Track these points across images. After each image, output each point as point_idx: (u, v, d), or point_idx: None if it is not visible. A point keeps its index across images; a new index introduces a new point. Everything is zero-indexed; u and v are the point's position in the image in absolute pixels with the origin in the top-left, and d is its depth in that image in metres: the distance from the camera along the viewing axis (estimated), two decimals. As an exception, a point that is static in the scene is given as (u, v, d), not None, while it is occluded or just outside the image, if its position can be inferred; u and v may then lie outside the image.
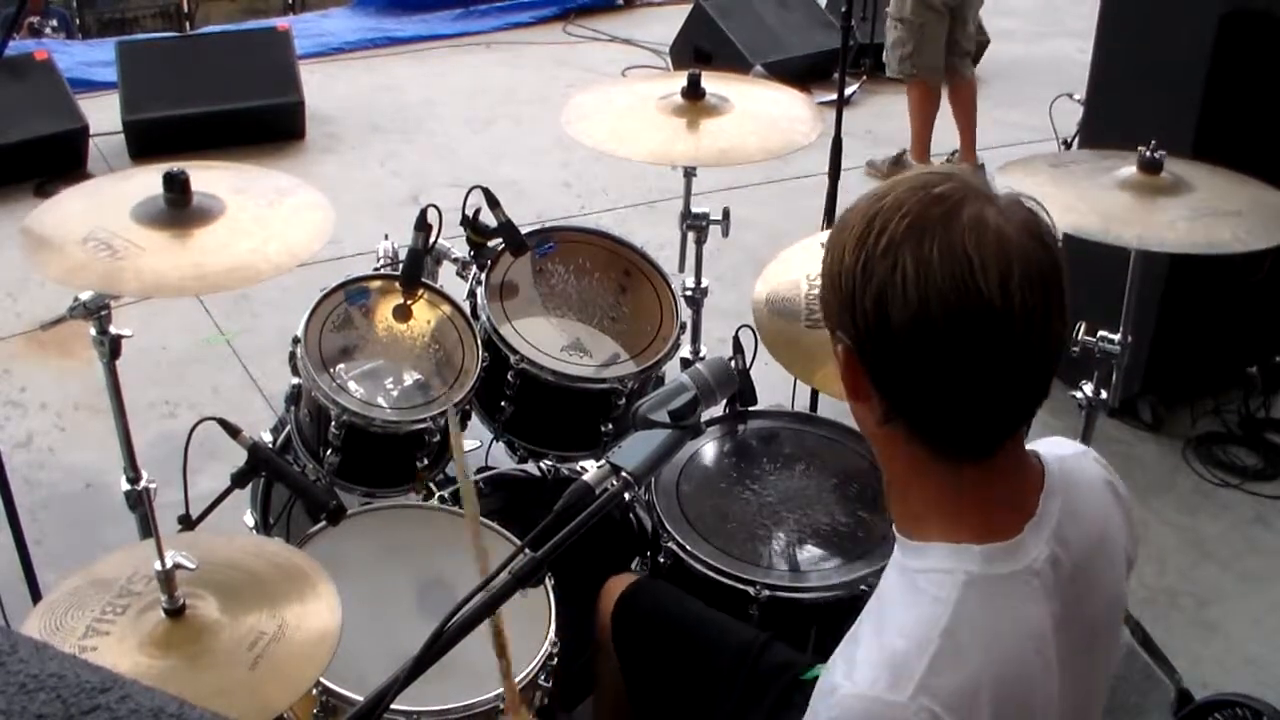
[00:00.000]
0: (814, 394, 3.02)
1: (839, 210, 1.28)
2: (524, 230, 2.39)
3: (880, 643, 1.13)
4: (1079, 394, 2.42)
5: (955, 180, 1.10)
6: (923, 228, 1.07)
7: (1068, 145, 3.62)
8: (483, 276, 2.37)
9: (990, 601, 1.14)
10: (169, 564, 1.50)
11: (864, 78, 6.00)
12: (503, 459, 2.62)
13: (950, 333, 1.06)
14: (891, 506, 1.24)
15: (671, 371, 2.40)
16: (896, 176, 1.14)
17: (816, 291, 2.16)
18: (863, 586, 1.95)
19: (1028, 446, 1.25)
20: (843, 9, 3.33)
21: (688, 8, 6.26)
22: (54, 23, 8.25)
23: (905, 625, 1.13)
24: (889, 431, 1.17)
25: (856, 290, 1.09)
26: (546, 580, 1.91)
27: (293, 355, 2.21)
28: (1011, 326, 1.06)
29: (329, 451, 2.17)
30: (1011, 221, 1.08)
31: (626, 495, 1.41)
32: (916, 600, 1.15)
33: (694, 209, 2.67)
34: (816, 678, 1.21)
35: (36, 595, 2.35)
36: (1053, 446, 1.30)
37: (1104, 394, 2.40)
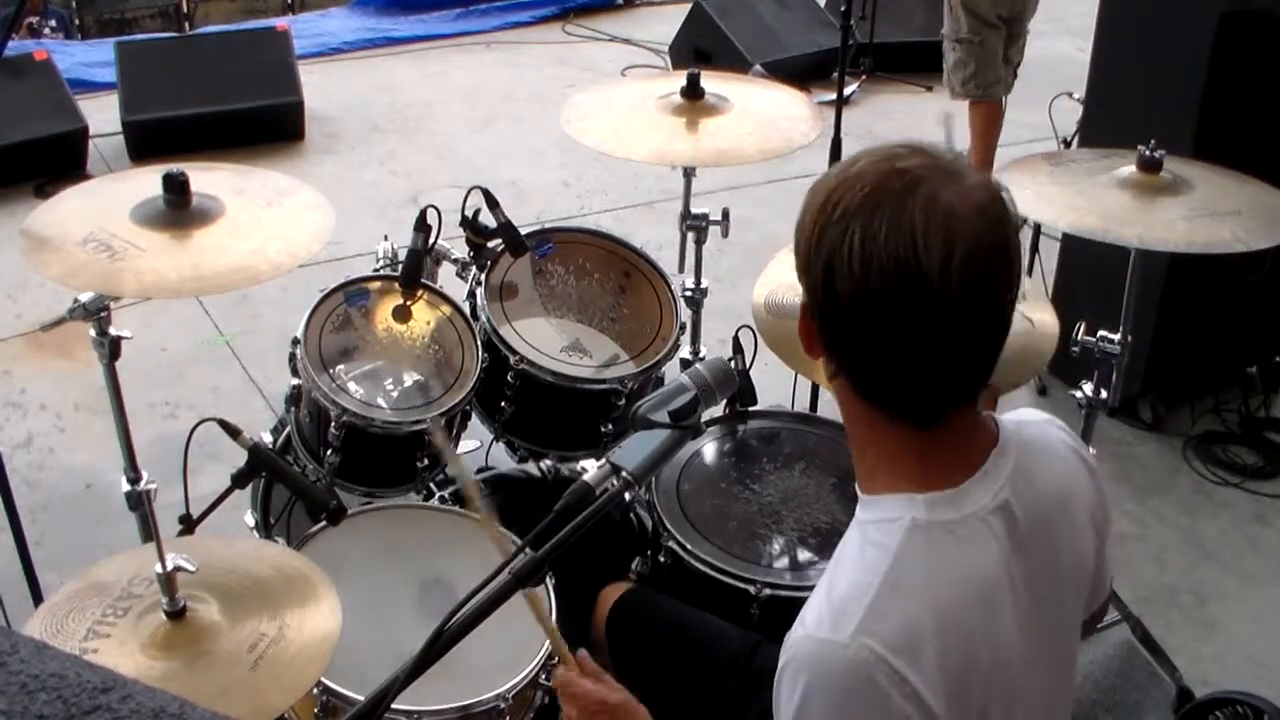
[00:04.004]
0: (814, 394, 3.02)
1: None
2: (524, 231, 2.39)
3: (829, 589, 1.17)
4: (1079, 394, 2.42)
5: (923, 157, 1.12)
6: (876, 202, 1.09)
7: (1068, 145, 3.62)
8: (482, 277, 2.37)
9: (934, 546, 1.17)
10: (170, 566, 1.50)
11: (863, 77, 6.00)
12: (503, 459, 2.62)
13: (889, 307, 1.09)
14: (854, 462, 1.28)
15: (671, 371, 2.40)
16: (871, 147, 1.17)
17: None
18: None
19: (998, 416, 1.28)
20: (842, 9, 3.33)
21: (687, 8, 6.25)
22: (53, 23, 8.24)
23: (851, 571, 1.17)
24: (840, 386, 1.21)
25: (811, 254, 1.14)
26: (547, 580, 1.91)
27: (292, 356, 2.21)
28: (949, 305, 1.09)
29: (329, 452, 2.17)
30: (967, 202, 1.10)
31: (626, 495, 1.42)
32: (864, 549, 1.18)
33: (694, 209, 2.67)
34: None
35: (37, 596, 2.35)
36: (1015, 414, 1.33)
37: (1104, 394, 2.40)
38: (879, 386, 1.18)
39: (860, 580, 1.15)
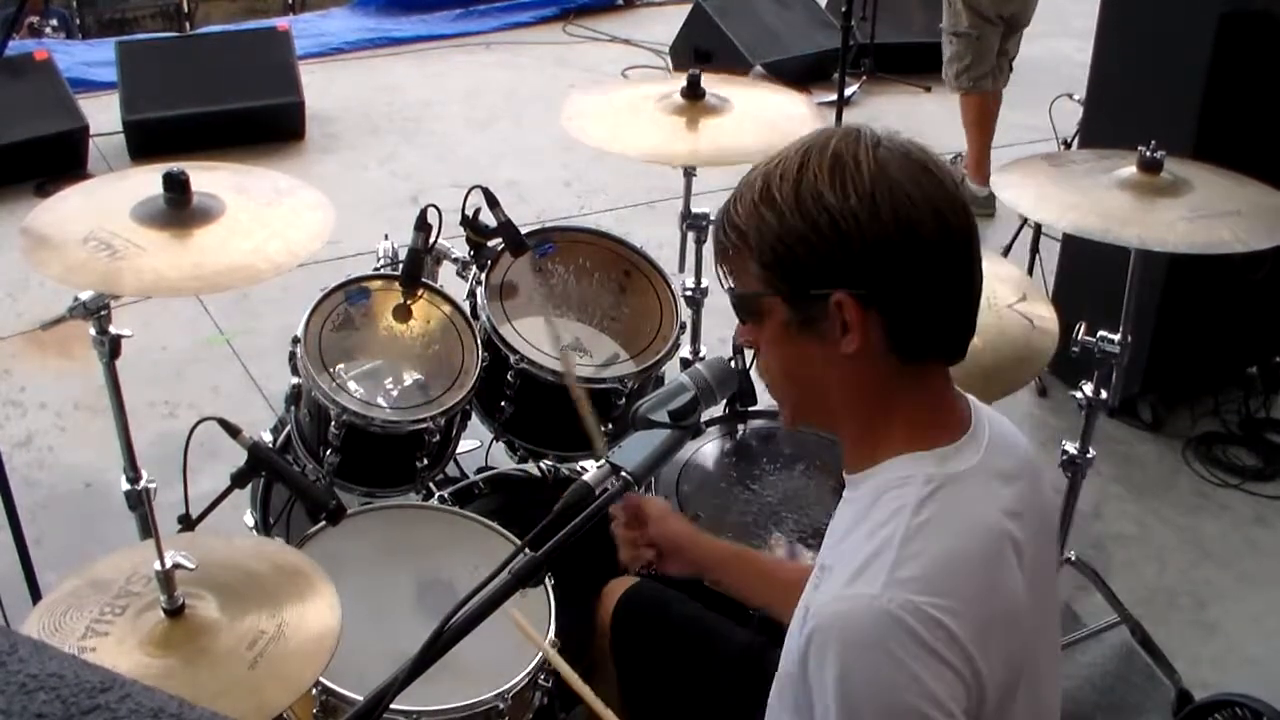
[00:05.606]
0: (814, 394, 3.02)
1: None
2: (524, 230, 2.39)
3: (846, 557, 1.18)
4: (1079, 394, 2.42)
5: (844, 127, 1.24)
6: (886, 154, 1.17)
7: (1068, 145, 3.62)
8: (483, 276, 2.37)
9: (950, 496, 1.19)
10: (168, 564, 1.50)
11: (864, 78, 5.99)
12: (503, 459, 2.62)
13: (958, 235, 1.19)
14: (848, 448, 1.29)
15: (671, 371, 2.40)
16: (801, 139, 1.23)
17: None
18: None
19: None
20: (843, 9, 3.34)
21: (688, 8, 6.25)
22: (54, 23, 8.24)
23: (870, 532, 1.18)
24: (864, 359, 1.21)
25: (865, 223, 1.15)
26: (546, 580, 1.90)
27: (293, 355, 2.21)
28: (970, 239, 1.21)
29: (329, 451, 2.17)
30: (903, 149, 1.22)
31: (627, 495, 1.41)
32: (876, 511, 1.20)
33: (694, 209, 2.67)
34: None
35: (36, 595, 2.35)
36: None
37: (1104, 394, 2.40)
38: (926, 331, 1.21)
39: (883, 537, 1.16)
